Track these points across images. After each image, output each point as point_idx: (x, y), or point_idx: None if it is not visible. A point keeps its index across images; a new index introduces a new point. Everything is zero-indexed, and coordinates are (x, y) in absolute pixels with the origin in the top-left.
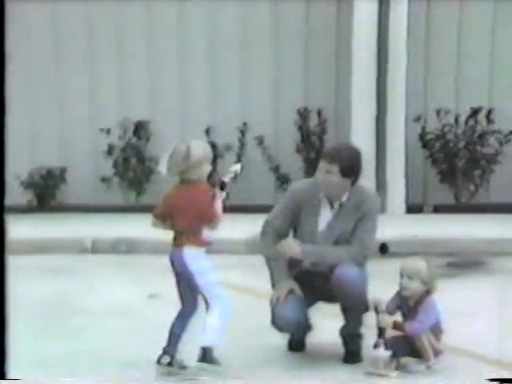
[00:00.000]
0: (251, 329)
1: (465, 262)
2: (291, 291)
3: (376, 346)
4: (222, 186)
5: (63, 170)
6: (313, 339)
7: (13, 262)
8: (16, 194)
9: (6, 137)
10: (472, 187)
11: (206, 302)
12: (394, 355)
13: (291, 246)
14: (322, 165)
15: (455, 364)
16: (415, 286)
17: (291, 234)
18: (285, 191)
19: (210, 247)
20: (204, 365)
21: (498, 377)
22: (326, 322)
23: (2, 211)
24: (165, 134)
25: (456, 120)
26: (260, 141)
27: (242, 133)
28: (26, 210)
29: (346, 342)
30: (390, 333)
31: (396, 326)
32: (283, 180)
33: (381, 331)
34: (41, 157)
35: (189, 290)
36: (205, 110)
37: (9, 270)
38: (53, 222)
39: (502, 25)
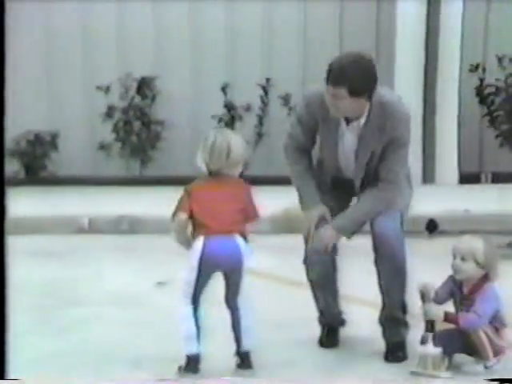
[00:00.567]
0: (276, 321)
1: None
2: (322, 218)
3: (423, 341)
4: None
5: (54, 136)
6: (347, 333)
7: None
8: None
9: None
10: None
11: (230, 300)
12: (446, 352)
13: (329, 235)
14: (328, 88)
15: None
16: (470, 269)
17: (327, 213)
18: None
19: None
20: (241, 371)
21: None
22: (364, 310)
23: (3, 197)
24: (173, 92)
25: None
26: (285, 100)
27: (265, 91)
28: (12, 182)
29: (385, 332)
30: (441, 326)
31: (447, 317)
32: None
33: (429, 324)
34: (28, 120)
35: (205, 286)
36: (221, 63)
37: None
38: (43, 196)
39: None
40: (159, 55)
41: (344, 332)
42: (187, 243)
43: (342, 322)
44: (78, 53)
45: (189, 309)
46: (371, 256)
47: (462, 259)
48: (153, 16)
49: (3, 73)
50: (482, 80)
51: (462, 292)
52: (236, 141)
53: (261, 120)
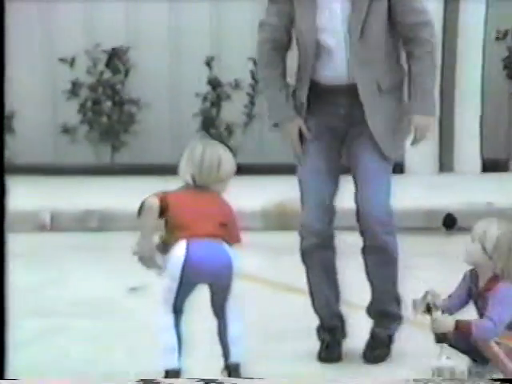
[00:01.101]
0: (269, 331)
1: None
2: (301, 133)
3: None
4: None
5: (9, 117)
6: (350, 345)
7: None
8: None
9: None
10: None
11: (219, 312)
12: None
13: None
14: None
15: None
16: (475, 252)
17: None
18: None
19: None
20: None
21: None
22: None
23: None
24: (150, 66)
25: None
26: None
27: (256, 65)
28: None
29: (373, 325)
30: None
31: (459, 326)
32: None
33: (440, 336)
34: None
35: (189, 294)
36: (205, 33)
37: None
38: None
39: None
40: (132, 22)
41: (346, 345)
42: (151, 252)
43: (343, 328)
44: (35, 19)
45: (169, 318)
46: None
47: (472, 240)
48: None
49: (3, 72)
50: (510, 49)
51: (477, 288)
52: (226, 155)
53: (251, 99)
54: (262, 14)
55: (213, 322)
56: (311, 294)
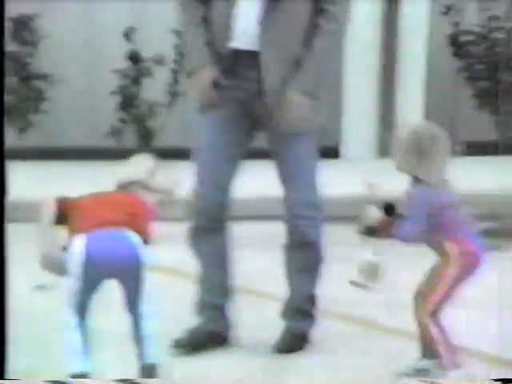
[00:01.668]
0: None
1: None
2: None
3: None
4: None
5: None
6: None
7: None
8: None
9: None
10: None
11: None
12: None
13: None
14: None
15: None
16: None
17: None
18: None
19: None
20: None
21: None
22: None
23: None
24: (62, 37)
25: (509, 10)
26: None
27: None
28: None
29: (287, 324)
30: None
31: (384, 221)
32: None
33: (368, 230)
34: None
35: (95, 292)
36: (124, 1)
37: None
38: None
39: None
40: None
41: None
42: (50, 254)
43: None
44: None
45: (73, 319)
46: None
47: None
48: None
49: (3, 72)
50: (456, 25)
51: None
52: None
53: (176, 76)
54: None
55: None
56: (199, 280)
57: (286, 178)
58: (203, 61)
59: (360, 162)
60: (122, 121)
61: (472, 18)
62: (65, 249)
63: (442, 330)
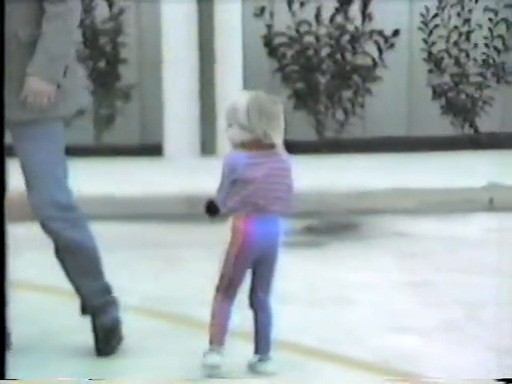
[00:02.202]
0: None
1: (330, 225)
2: None
3: None
4: None
5: None
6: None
7: None
8: None
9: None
10: (340, 115)
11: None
12: None
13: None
14: None
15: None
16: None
17: None
18: None
19: None
20: None
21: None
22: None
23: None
24: None
25: (317, 16)
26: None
27: None
28: None
29: (94, 322)
30: None
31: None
32: None
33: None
34: None
35: None
36: None
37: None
38: None
39: None
40: None
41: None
42: None
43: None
44: None
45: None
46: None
47: (228, 125)
48: None
49: (3, 72)
50: (269, 27)
51: None
52: None
53: None
54: None
55: None
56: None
57: (29, 174)
58: None
59: (182, 160)
60: None
61: (284, 21)
62: None
63: (222, 310)
